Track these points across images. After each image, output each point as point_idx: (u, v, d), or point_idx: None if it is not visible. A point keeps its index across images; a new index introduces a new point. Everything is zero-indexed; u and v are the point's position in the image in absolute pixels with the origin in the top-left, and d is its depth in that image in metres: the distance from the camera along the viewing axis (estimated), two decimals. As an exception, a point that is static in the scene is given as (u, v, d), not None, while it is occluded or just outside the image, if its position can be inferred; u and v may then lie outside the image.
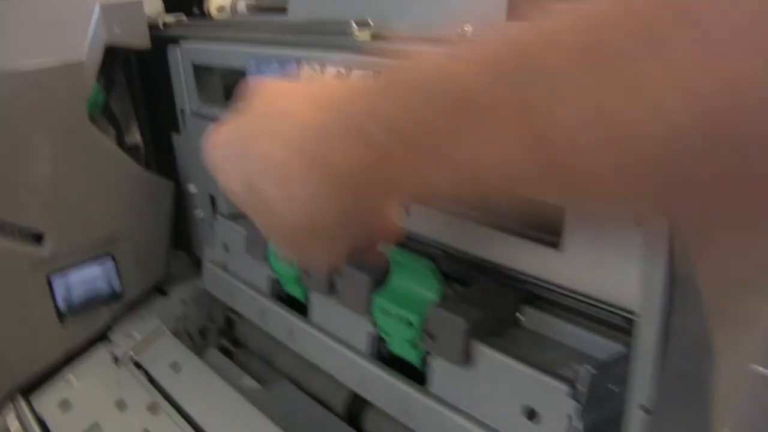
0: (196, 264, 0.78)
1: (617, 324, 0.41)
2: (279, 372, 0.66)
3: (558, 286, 0.39)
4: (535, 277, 0.40)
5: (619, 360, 0.38)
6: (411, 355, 0.47)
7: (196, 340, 0.75)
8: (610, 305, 0.36)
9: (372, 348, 0.50)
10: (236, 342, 0.74)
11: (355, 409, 0.57)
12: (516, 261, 0.40)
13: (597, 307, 0.45)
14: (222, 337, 0.76)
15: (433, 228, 0.47)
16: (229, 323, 0.75)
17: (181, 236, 0.82)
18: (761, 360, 0.32)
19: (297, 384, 0.63)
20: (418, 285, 0.47)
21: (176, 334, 0.71)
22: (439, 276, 0.46)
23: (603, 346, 0.40)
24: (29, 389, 0.68)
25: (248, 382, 0.66)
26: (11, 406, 0.67)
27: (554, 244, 0.39)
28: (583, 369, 0.37)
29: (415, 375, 0.47)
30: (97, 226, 0.68)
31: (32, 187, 0.63)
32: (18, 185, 0.62)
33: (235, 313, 0.73)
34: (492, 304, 0.45)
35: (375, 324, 0.50)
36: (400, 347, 0.47)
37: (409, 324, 0.45)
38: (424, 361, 0.47)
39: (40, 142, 0.62)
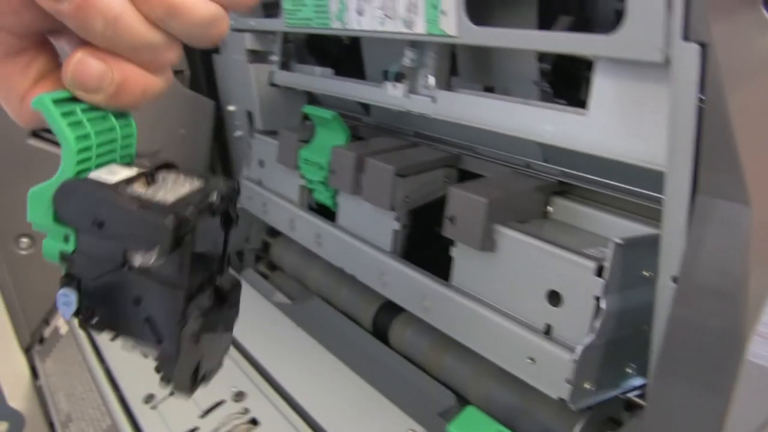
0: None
1: (650, 211, 0.38)
2: (311, 291, 0.65)
3: (587, 155, 0.36)
4: (563, 149, 0.37)
5: (648, 238, 0.35)
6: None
7: (234, 262, 0.76)
8: (638, 167, 0.33)
9: (395, 245, 0.49)
10: (272, 266, 0.74)
11: (382, 324, 0.56)
12: (542, 132, 0.38)
13: (627, 191, 0.42)
14: (258, 262, 0.76)
15: (459, 110, 0.45)
16: (266, 247, 0.75)
17: (225, 165, 0.84)
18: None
19: (327, 302, 0.62)
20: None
21: (215, 255, 0.72)
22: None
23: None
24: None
25: (281, 298, 0.66)
26: (60, 315, 0.70)
27: (580, 111, 0.36)
28: (610, 244, 0.35)
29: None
30: (139, 143, 0.69)
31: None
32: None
33: (271, 235, 0.73)
34: (515, 189, 0.43)
35: (398, 220, 0.49)
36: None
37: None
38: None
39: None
